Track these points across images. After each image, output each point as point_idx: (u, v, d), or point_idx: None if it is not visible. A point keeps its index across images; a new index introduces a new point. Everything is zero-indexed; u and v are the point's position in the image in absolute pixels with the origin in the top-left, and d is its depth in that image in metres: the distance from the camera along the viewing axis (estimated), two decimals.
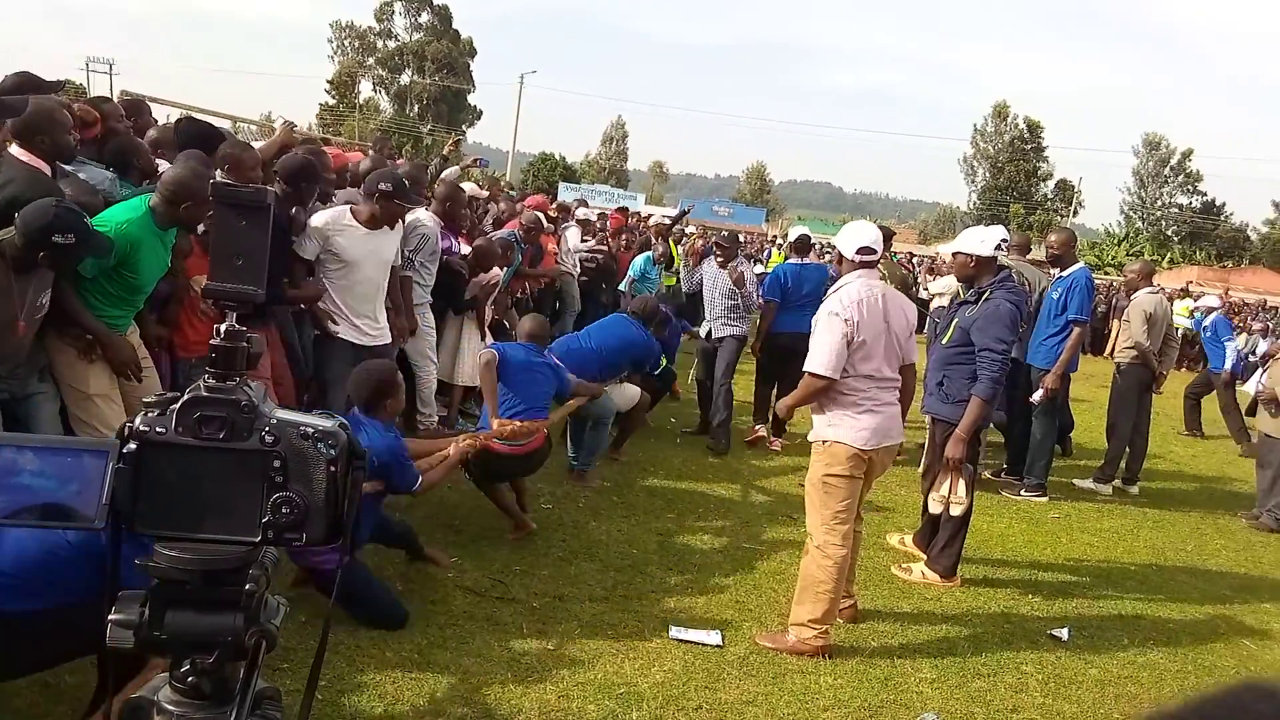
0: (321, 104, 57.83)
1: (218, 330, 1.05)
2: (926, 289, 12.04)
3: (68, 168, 3.75)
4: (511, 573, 4.18)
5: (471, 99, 60.40)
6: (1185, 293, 17.87)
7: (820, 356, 3.65)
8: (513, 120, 42.95)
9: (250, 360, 1.06)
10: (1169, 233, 55.87)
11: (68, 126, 3.52)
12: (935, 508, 4.53)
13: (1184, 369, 15.15)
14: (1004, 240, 4.97)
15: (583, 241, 9.59)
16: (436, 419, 5.77)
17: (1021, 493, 6.57)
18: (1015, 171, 57.38)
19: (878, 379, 3.69)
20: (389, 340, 4.82)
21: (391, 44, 59.72)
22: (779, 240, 24.24)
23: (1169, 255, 48.31)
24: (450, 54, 58.31)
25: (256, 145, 4.95)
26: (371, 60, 59.67)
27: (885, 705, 3.40)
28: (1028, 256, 7.43)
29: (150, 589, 1.01)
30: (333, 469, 1.03)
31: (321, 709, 2.89)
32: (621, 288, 9.09)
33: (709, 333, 7.17)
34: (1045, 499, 6.53)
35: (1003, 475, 6.97)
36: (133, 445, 0.98)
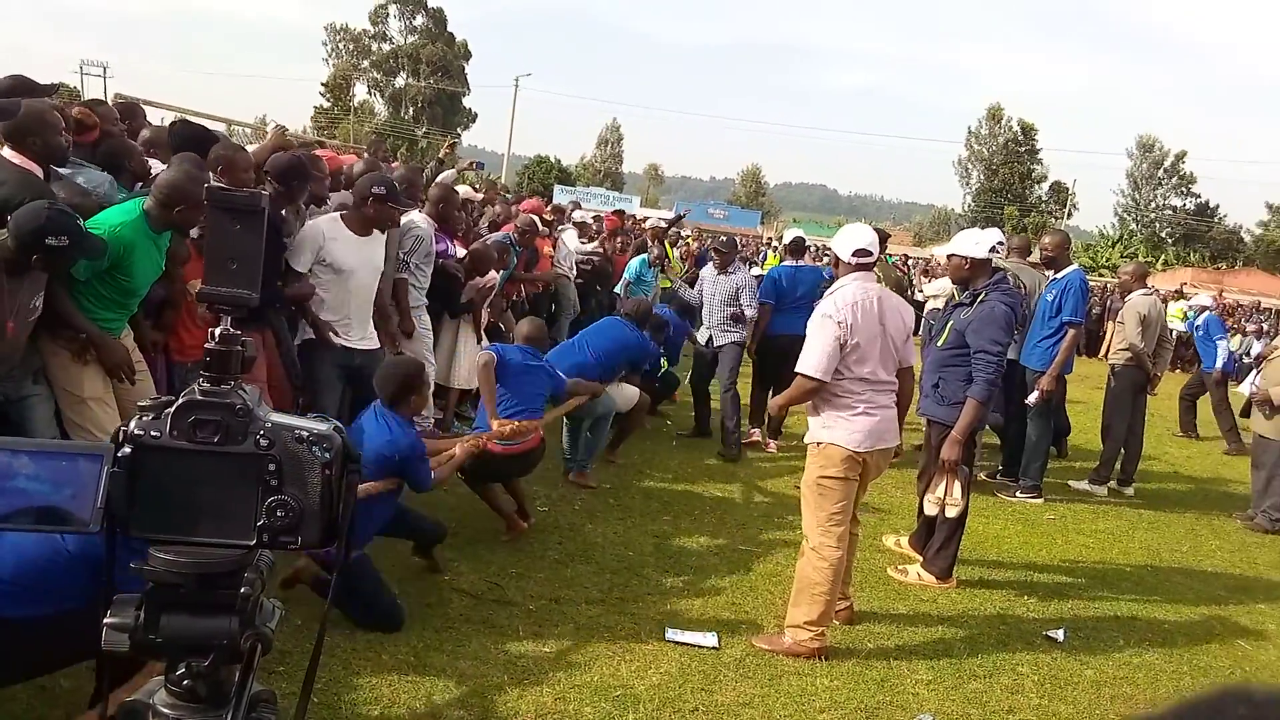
0: (316, 107, 57.85)
1: (212, 334, 1.05)
2: (921, 291, 12.05)
3: (65, 170, 3.75)
4: (508, 575, 4.17)
5: (466, 102, 60.49)
6: (1179, 294, 17.91)
7: (811, 358, 3.66)
8: (508, 123, 43.02)
9: (245, 364, 1.06)
10: (1163, 235, 55.99)
11: (59, 128, 3.51)
12: (931, 509, 4.54)
13: (1178, 370, 15.19)
14: (999, 243, 4.98)
15: (583, 244, 9.60)
16: (432, 421, 5.76)
17: (1017, 494, 6.58)
18: (1010, 174, 57.46)
19: (873, 382, 3.70)
20: (377, 345, 4.82)
21: (386, 47, 59.76)
22: (774, 243, 24.29)
23: (1163, 257, 48.41)
24: (445, 57, 58.35)
25: (250, 149, 4.95)
26: (366, 63, 59.70)
27: (882, 707, 3.40)
28: (1028, 259, 7.44)
29: (145, 592, 1.01)
30: (328, 472, 1.03)
31: (317, 712, 2.88)
32: (617, 290, 9.10)
33: (709, 339, 7.14)
34: (1041, 500, 6.54)
35: (998, 477, 6.98)
36: (128, 449, 0.98)
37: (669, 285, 9.07)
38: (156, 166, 4.40)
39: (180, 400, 1.00)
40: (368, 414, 3.75)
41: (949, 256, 4.95)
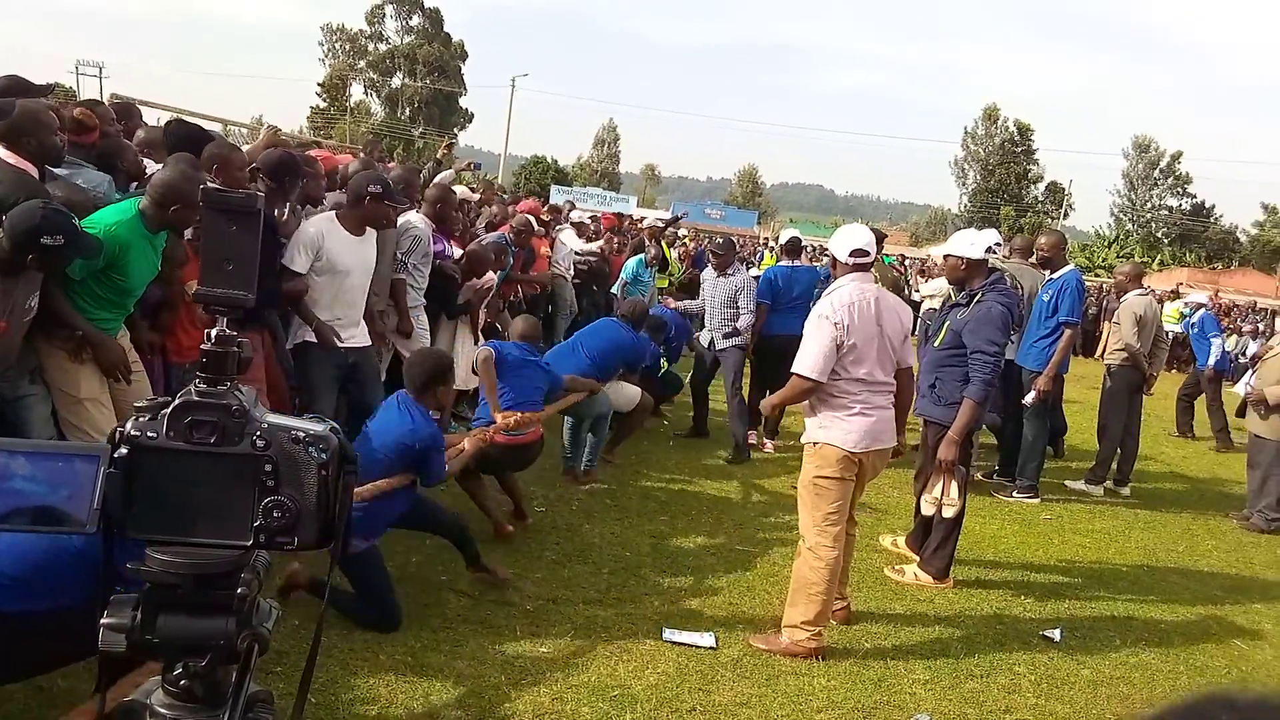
0: (313, 107, 57.79)
1: (208, 335, 1.05)
2: (918, 291, 12.07)
3: (63, 171, 3.74)
4: None
5: (463, 102, 60.46)
6: (1175, 294, 17.94)
7: (807, 358, 3.66)
8: (504, 123, 42.91)
9: (241, 365, 1.06)
10: (1159, 235, 56.13)
11: (54, 128, 3.51)
12: (928, 510, 4.54)
13: (1174, 370, 15.23)
14: (996, 244, 4.99)
15: (586, 242, 9.60)
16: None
17: (1013, 494, 6.59)
18: (1006, 174, 57.55)
19: (869, 382, 3.70)
20: (368, 342, 4.83)
21: (382, 47, 59.70)
22: (771, 243, 24.30)
23: (1159, 257, 48.52)
24: (442, 57, 58.31)
25: (245, 149, 4.95)
26: (363, 63, 59.64)
27: (879, 706, 3.40)
28: (1029, 260, 7.44)
29: (142, 593, 1.01)
30: (324, 473, 1.03)
31: (314, 712, 2.88)
32: (614, 290, 9.11)
33: (711, 342, 7.12)
34: (1037, 500, 6.55)
35: (995, 477, 6.99)
36: (124, 450, 0.98)
37: (665, 285, 9.09)
38: (152, 167, 4.40)
39: (177, 401, 1.01)
40: (390, 402, 3.82)
41: (945, 257, 4.96)
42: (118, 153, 4.35)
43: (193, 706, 1.03)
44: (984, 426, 6.10)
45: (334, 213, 4.67)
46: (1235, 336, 16.60)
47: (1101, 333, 15.71)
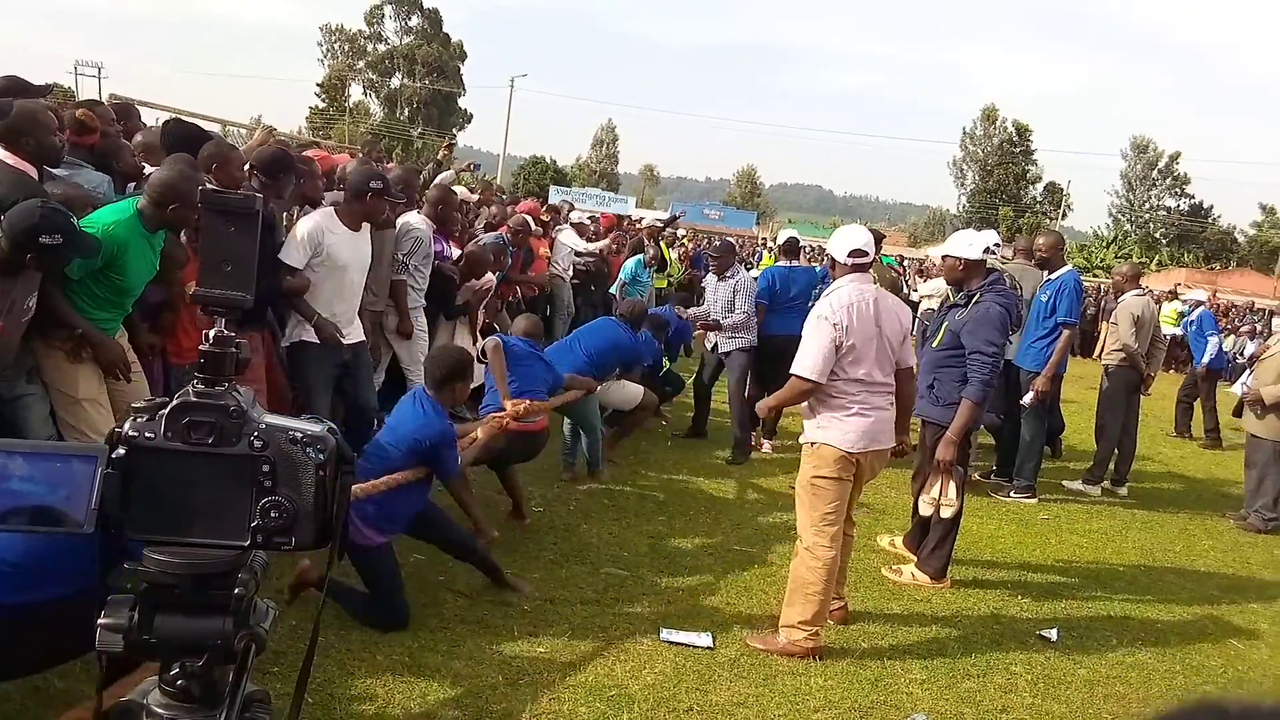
0: (312, 107, 57.74)
1: (206, 336, 1.05)
2: (916, 291, 12.08)
3: (62, 171, 3.74)
4: None
5: (462, 102, 60.43)
6: (1173, 295, 17.95)
7: (806, 360, 3.66)
8: (503, 124, 42.85)
9: (239, 365, 1.06)
10: (1157, 235, 56.20)
11: (53, 129, 3.51)
12: (925, 510, 4.55)
13: (1172, 371, 15.24)
14: (995, 244, 5.00)
15: (588, 243, 9.59)
16: None
17: (1011, 494, 6.60)
18: (1004, 174, 57.60)
19: (868, 383, 3.70)
20: (362, 338, 4.83)
21: (381, 47, 59.66)
22: (769, 243, 24.28)
23: (1157, 258, 48.59)
24: (440, 57, 58.28)
25: (241, 149, 4.95)
26: (361, 64, 59.59)
27: (875, 706, 3.41)
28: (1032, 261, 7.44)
29: (140, 593, 1.01)
30: (322, 473, 1.03)
31: (311, 712, 2.88)
32: (613, 290, 9.10)
33: (715, 345, 7.06)
34: (1034, 500, 6.56)
35: (992, 477, 7.00)
36: (122, 450, 0.98)
37: (664, 285, 9.09)
38: (150, 169, 4.40)
39: (175, 402, 1.01)
40: (407, 397, 3.88)
41: (944, 257, 4.97)
42: (115, 153, 4.35)
43: (189, 706, 1.03)
44: (982, 426, 6.11)
45: (332, 208, 4.67)
46: (1233, 337, 16.62)
47: (1099, 333, 15.74)
